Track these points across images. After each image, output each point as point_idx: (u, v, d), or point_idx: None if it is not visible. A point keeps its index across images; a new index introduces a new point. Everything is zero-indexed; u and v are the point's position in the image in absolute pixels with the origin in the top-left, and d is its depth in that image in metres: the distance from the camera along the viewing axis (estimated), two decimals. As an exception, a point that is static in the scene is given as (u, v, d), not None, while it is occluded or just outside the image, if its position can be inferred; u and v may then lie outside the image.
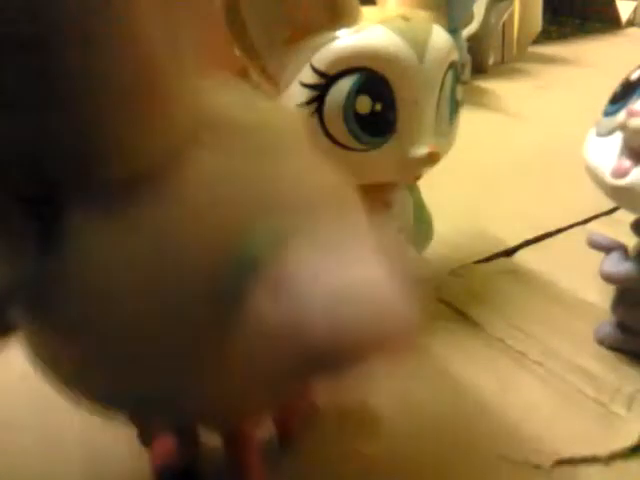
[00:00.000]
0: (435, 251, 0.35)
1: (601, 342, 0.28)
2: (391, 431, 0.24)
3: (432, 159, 0.27)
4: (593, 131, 0.26)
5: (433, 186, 0.32)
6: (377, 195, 0.29)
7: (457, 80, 0.28)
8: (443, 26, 0.27)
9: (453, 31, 0.29)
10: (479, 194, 0.45)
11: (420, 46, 0.26)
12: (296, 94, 0.26)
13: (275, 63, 0.26)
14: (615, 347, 0.28)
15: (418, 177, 0.29)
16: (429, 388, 0.26)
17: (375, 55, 0.25)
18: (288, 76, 0.26)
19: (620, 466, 0.22)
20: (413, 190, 0.32)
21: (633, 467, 0.22)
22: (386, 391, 0.25)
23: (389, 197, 0.30)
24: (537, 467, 0.22)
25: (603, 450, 0.23)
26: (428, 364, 0.28)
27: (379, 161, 0.27)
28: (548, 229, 0.39)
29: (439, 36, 0.27)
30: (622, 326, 0.28)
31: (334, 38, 0.25)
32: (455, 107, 0.28)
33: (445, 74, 0.27)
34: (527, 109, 0.62)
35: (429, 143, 0.27)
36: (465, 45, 0.70)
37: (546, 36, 0.95)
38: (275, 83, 0.27)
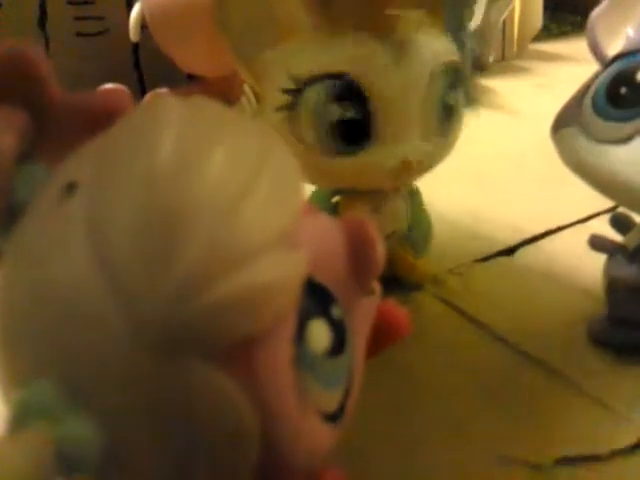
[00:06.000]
0: (434, 249, 0.34)
1: (597, 339, 0.28)
2: (391, 430, 0.24)
3: (406, 169, 0.26)
4: (585, 140, 0.25)
5: (432, 184, 0.32)
6: (363, 200, 0.29)
7: (455, 84, 0.27)
8: (440, 25, 0.27)
9: (456, 30, 0.27)
10: (478, 192, 0.45)
11: (398, 48, 0.25)
12: (273, 98, 0.26)
13: (260, 65, 0.26)
14: (611, 344, 0.28)
15: (400, 184, 0.29)
16: (428, 387, 0.26)
17: (346, 59, 0.25)
18: (269, 79, 0.26)
19: (620, 465, 0.22)
20: (413, 194, 0.32)
21: (634, 466, 0.22)
22: (384, 391, 0.25)
23: (376, 203, 0.29)
24: (537, 467, 0.22)
25: (603, 449, 0.23)
26: (427, 363, 0.28)
27: (354, 168, 0.26)
28: (548, 227, 0.39)
29: (425, 37, 0.26)
30: (618, 322, 0.27)
31: (308, 42, 0.25)
32: (450, 112, 0.27)
33: (433, 77, 0.26)
34: (527, 106, 0.62)
35: (407, 151, 0.26)
36: (471, 44, 0.70)
37: (546, 33, 0.95)
38: (261, 85, 0.27)
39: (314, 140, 0.25)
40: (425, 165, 0.27)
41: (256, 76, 0.26)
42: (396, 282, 0.32)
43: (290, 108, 0.25)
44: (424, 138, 0.26)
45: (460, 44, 0.28)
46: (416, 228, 0.32)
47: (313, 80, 0.25)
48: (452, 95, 0.27)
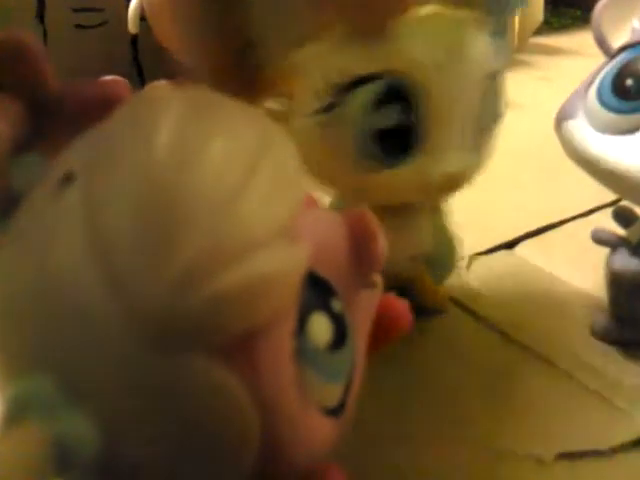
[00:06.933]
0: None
1: (598, 335, 0.28)
2: (392, 426, 0.24)
3: (455, 181, 0.24)
4: (590, 131, 0.25)
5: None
6: (383, 218, 0.27)
7: (498, 91, 0.25)
8: (485, 28, 0.23)
9: (498, 34, 0.24)
10: (480, 185, 0.44)
11: (451, 49, 0.22)
12: (307, 101, 0.22)
13: (291, 64, 0.23)
14: (613, 339, 0.28)
15: (439, 200, 0.26)
16: (429, 382, 0.26)
17: (391, 59, 0.21)
18: (301, 80, 0.23)
19: (622, 460, 0.22)
20: (435, 212, 0.29)
21: (635, 461, 0.22)
22: (384, 386, 0.25)
23: (398, 221, 0.25)
24: (539, 461, 0.22)
25: (605, 444, 0.23)
26: (428, 357, 0.27)
27: (394, 181, 0.23)
28: (550, 221, 0.39)
29: (476, 41, 0.23)
30: (620, 317, 0.27)
31: (352, 40, 0.22)
32: (492, 121, 0.25)
33: (481, 84, 0.23)
34: (528, 100, 0.62)
35: (454, 163, 0.23)
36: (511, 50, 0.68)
37: (548, 27, 0.95)
38: (290, 86, 0.23)
39: (351, 149, 0.22)
40: (465, 179, 0.25)
41: (285, 76, 0.23)
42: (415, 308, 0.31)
43: (326, 113, 0.22)
44: (471, 149, 0.24)
45: (501, 49, 0.25)
46: (437, 252, 0.28)
47: (355, 83, 0.21)
48: (497, 102, 0.24)
